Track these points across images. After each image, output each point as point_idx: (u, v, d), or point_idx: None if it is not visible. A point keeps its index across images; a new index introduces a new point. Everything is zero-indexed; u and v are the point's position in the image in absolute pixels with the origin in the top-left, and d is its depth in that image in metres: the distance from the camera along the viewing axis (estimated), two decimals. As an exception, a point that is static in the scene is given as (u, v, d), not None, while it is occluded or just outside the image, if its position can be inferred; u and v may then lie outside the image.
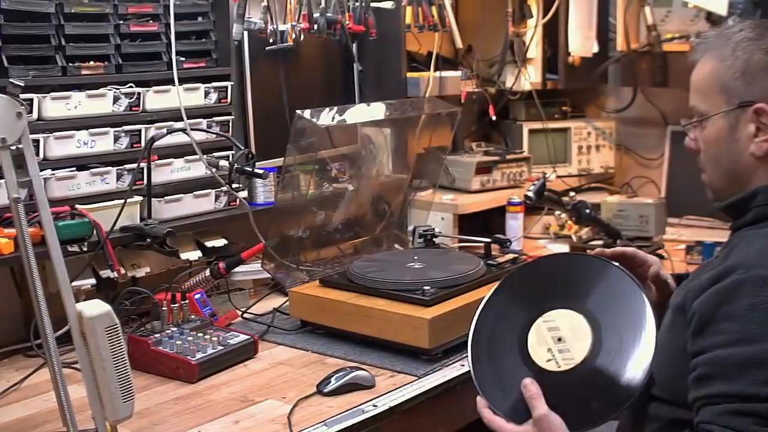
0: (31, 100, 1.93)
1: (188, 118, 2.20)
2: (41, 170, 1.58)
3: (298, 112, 2.13)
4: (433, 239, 2.48)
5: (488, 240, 2.36)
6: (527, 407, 1.42)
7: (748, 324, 1.25)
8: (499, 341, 1.56)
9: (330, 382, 1.74)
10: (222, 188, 2.28)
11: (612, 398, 1.45)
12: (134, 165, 2.11)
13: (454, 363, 1.86)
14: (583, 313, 1.52)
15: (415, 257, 2.16)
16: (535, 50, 3.30)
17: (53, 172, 1.99)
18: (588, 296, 1.53)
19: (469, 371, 1.52)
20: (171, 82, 2.19)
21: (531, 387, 1.44)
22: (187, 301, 1.98)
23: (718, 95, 1.42)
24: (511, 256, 2.25)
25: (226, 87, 2.33)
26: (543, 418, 1.39)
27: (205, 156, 2.23)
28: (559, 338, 1.51)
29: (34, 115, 1.95)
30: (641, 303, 1.49)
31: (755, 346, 1.24)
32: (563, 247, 2.80)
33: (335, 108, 2.31)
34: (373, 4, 2.68)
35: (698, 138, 1.48)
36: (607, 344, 1.48)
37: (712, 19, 2.97)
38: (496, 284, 1.63)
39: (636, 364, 1.44)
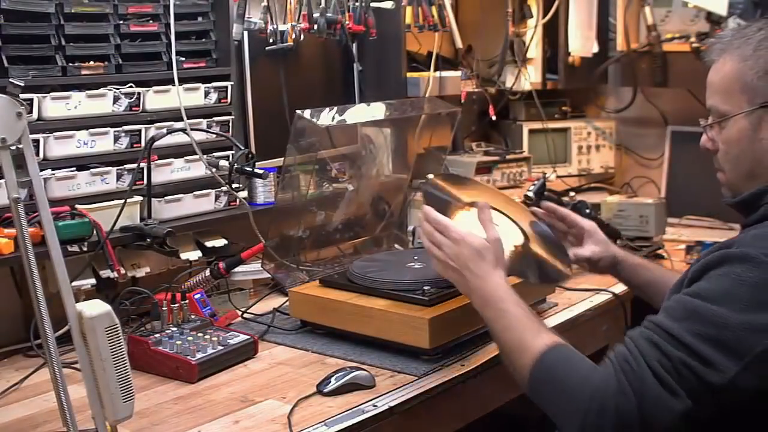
0: (31, 100, 1.93)
1: (188, 118, 2.20)
2: (41, 170, 1.58)
3: (298, 112, 2.13)
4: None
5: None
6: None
7: (714, 285, 1.32)
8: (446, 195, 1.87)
9: (330, 382, 1.73)
10: (222, 188, 2.28)
11: (542, 274, 1.88)
12: (134, 165, 2.11)
13: (454, 363, 1.86)
14: (518, 226, 1.88)
15: (415, 257, 2.16)
16: (535, 50, 3.30)
17: (53, 172, 1.99)
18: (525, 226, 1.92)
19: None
20: (171, 82, 2.19)
21: (487, 210, 1.68)
22: (187, 301, 1.98)
23: (740, 95, 1.42)
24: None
25: (226, 87, 2.33)
26: (498, 241, 1.63)
27: (205, 156, 2.23)
28: (497, 224, 1.75)
29: (34, 115, 1.95)
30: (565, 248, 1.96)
31: (706, 304, 1.30)
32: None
33: (335, 108, 2.31)
34: (373, 4, 2.68)
35: (716, 138, 1.49)
36: (535, 251, 1.86)
37: (712, 19, 2.97)
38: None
39: (561, 266, 1.88)
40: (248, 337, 1.94)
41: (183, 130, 2.18)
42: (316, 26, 2.49)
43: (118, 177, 2.11)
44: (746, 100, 1.42)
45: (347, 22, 2.58)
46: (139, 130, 2.14)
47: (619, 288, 2.27)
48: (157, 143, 2.13)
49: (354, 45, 2.71)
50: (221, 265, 2.16)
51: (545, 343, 1.43)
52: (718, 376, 1.26)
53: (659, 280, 1.89)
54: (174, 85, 2.19)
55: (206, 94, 2.29)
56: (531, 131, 3.35)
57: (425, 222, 1.67)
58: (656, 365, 1.28)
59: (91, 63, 2.10)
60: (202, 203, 2.26)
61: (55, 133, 1.99)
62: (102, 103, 2.08)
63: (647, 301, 1.93)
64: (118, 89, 2.10)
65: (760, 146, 1.42)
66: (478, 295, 1.60)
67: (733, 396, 1.28)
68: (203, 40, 2.34)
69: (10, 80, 1.33)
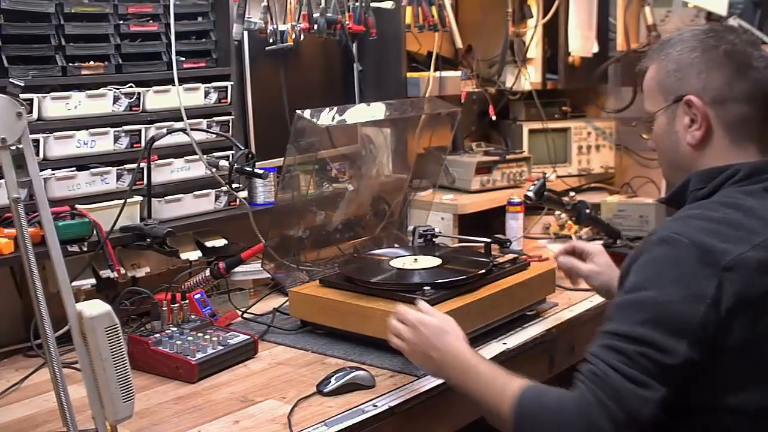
0: (31, 100, 1.93)
1: (188, 118, 2.20)
2: (41, 170, 1.58)
3: (298, 112, 2.13)
4: (433, 239, 2.47)
5: (488, 240, 2.35)
6: None
7: (639, 276, 1.38)
8: None
9: (330, 382, 1.74)
10: (222, 188, 2.28)
11: None
12: (134, 165, 2.11)
13: (454, 363, 1.86)
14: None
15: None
16: (535, 50, 3.30)
17: (53, 172, 1.99)
18: None
19: None
20: (171, 82, 2.19)
21: (424, 303, 1.74)
22: (187, 301, 1.98)
23: (658, 94, 1.55)
24: (511, 256, 2.25)
25: (226, 87, 2.33)
26: (451, 319, 1.66)
27: (205, 156, 2.23)
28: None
29: (34, 115, 1.95)
30: None
31: (639, 293, 1.35)
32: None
33: (335, 108, 2.31)
34: (373, 4, 2.68)
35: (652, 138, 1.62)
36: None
37: (712, 19, 2.97)
38: None
39: None
40: (248, 337, 1.94)
41: (183, 130, 2.18)
42: (316, 26, 2.49)
43: (118, 177, 2.11)
44: (663, 98, 1.54)
45: (347, 22, 2.58)
46: (139, 130, 2.14)
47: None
48: (157, 143, 2.13)
49: (354, 45, 2.71)
50: (221, 265, 2.17)
51: (517, 386, 1.44)
52: (671, 358, 1.30)
53: None
54: (174, 85, 2.19)
55: (206, 94, 2.29)
56: (531, 131, 3.35)
57: (394, 320, 1.71)
58: (619, 365, 1.31)
59: (91, 63, 2.10)
60: (202, 203, 2.26)
61: (55, 133, 1.99)
62: (102, 103, 2.08)
63: None
64: (118, 89, 2.10)
65: (676, 138, 1.53)
66: (452, 368, 1.59)
67: (696, 366, 1.32)
68: (203, 40, 2.34)
69: (10, 80, 1.33)
